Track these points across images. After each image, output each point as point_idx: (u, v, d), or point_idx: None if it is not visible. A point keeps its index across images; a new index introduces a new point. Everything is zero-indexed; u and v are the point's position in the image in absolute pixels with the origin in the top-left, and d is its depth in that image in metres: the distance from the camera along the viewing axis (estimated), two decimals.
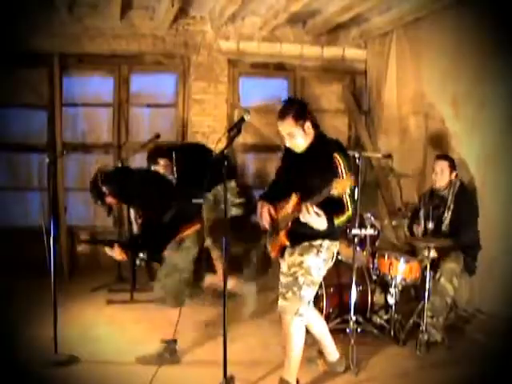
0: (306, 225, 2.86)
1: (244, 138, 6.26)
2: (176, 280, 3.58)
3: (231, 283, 4.09)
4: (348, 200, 2.86)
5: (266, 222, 3.12)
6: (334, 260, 3.13)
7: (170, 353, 3.55)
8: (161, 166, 4.78)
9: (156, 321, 4.29)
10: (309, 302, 3.05)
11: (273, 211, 3.10)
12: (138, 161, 6.23)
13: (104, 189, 3.59)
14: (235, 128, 2.89)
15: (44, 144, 5.92)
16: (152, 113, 6.28)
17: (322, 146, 2.98)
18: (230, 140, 2.95)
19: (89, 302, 4.81)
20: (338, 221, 2.85)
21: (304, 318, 3.04)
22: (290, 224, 3.00)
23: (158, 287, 3.62)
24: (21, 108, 5.86)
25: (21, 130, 5.87)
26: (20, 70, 5.73)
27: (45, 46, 5.67)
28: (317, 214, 2.74)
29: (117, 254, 3.54)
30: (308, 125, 2.97)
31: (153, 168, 4.67)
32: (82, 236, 3.57)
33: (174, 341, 3.59)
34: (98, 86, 6.12)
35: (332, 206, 2.80)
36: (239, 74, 6.39)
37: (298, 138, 2.98)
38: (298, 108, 2.98)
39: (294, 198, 2.96)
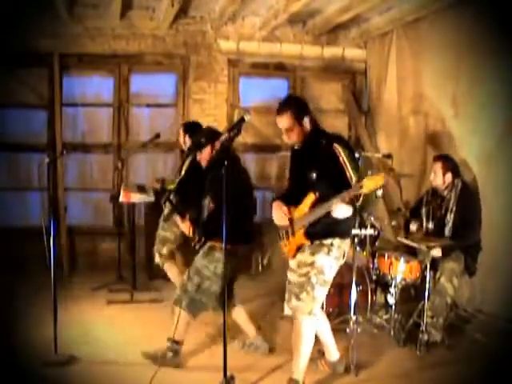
0: (317, 223, 2.89)
1: (244, 138, 6.26)
2: (195, 284, 3.44)
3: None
4: (350, 170, 2.82)
5: (280, 221, 3.12)
6: (344, 258, 3.13)
7: (173, 353, 3.49)
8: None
9: (156, 321, 4.31)
10: (321, 302, 3.08)
11: (286, 211, 3.10)
12: (138, 161, 6.27)
13: (216, 144, 3.46)
14: (235, 128, 2.90)
15: (44, 144, 5.92)
16: (152, 113, 6.28)
17: (321, 139, 2.99)
18: (230, 140, 2.95)
19: (89, 302, 4.81)
20: (369, 184, 2.70)
21: (316, 317, 3.06)
22: (308, 223, 2.99)
23: (180, 286, 3.54)
24: (21, 108, 5.86)
25: (21, 130, 5.87)
26: (20, 70, 5.74)
27: (45, 46, 5.67)
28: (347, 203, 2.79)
29: (186, 226, 3.55)
30: (306, 120, 3.01)
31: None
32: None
33: (180, 342, 3.52)
34: (97, 85, 6.12)
35: (340, 185, 2.81)
36: (239, 73, 6.38)
37: (295, 133, 3.03)
38: (296, 104, 3.06)
39: (311, 196, 2.97)
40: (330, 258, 3.01)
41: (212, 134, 3.65)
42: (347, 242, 3.11)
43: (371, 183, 2.63)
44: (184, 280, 3.52)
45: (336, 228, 2.96)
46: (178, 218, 3.59)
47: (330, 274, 3.04)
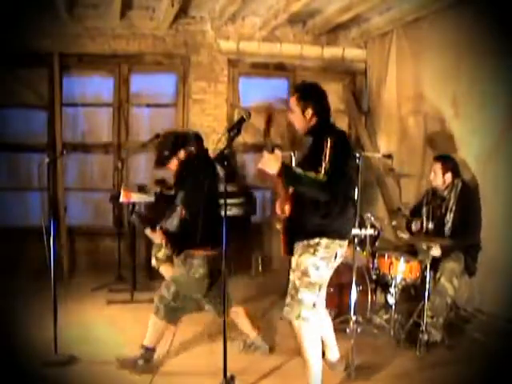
0: (300, 216, 2.87)
1: (244, 138, 6.26)
2: (172, 292, 3.40)
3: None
4: (327, 166, 2.75)
5: (279, 212, 3.10)
6: (337, 260, 3.01)
7: (144, 360, 3.43)
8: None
9: None
10: (314, 305, 2.96)
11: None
12: (138, 161, 6.26)
13: (181, 153, 3.43)
14: (235, 128, 2.90)
15: (44, 144, 5.91)
16: (152, 113, 6.28)
17: (321, 134, 2.94)
18: (230, 140, 2.95)
19: (89, 302, 4.81)
20: (304, 176, 2.71)
21: (310, 322, 2.95)
22: (286, 211, 2.97)
23: (157, 295, 3.47)
24: (21, 108, 5.86)
25: (21, 130, 5.87)
26: (20, 70, 5.73)
27: (45, 46, 5.67)
28: (272, 152, 2.71)
29: (158, 237, 3.43)
30: (309, 111, 2.99)
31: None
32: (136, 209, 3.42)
33: (153, 349, 3.47)
34: (98, 85, 6.12)
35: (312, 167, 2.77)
36: (239, 73, 6.39)
37: (295, 118, 3.05)
38: (306, 92, 3.05)
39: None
40: (316, 259, 2.92)
41: (175, 145, 3.51)
42: (339, 242, 2.98)
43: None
44: (162, 289, 3.44)
45: (324, 228, 2.90)
46: (147, 231, 3.45)
47: (315, 275, 2.93)
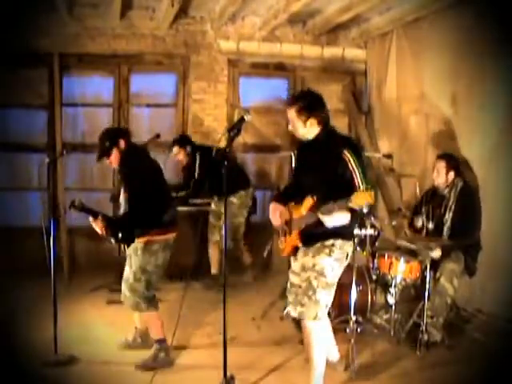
0: (318, 225, 2.83)
1: (244, 138, 6.26)
2: (144, 282, 3.44)
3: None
4: (358, 178, 2.75)
5: (276, 222, 3.10)
6: (348, 260, 3.05)
7: (165, 353, 3.48)
8: (182, 154, 5.39)
9: None
10: (326, 305, 3.00)
11: (285, 212, 3.06)
12: None
13: (121, 143, 3.47)
14: (235, 128, 2.90)
15: (44, 144, 5.92)
16: (152, 113, 6.28)
17: (330, 142, 2.92)
18: (230, 140, 2.95)
19: (89, 302, 4.81)
20: (357, 200, 2.61)
21: (322, 322, 3.01)
22: (303, 226, 2.95)
23: (128, 294, 3.47)
24: (21, 108, 5.86)
25: (21, 130, 5.87)
26: (20, 70, 5.73)
27: (45, 46, 5.67)
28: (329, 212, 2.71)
29: (99, 226, 3.33)
30: (311, 121, 2.92)
31: (173, 153, 5.44)
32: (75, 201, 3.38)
33: (164, 339, 3.51)
34: (98, 85, 6.12)
35: (344, 192, 2.69)
36: (239, 73, 6.39)
37: (298, 129, 2.98)
38: (305, 102, 2.94)
39: (309, 200, 2.87)
40: (331, 259, 2.94)
41: (114, 136, 3.54)
42: (351, 243, 3.04)
43: (359, 200, 2.57)
44: (131, 283, 3.46)
45: (338, 229, 2.88)
46: (90, 219, 3.36)
47: (331, 276, 2.96)
